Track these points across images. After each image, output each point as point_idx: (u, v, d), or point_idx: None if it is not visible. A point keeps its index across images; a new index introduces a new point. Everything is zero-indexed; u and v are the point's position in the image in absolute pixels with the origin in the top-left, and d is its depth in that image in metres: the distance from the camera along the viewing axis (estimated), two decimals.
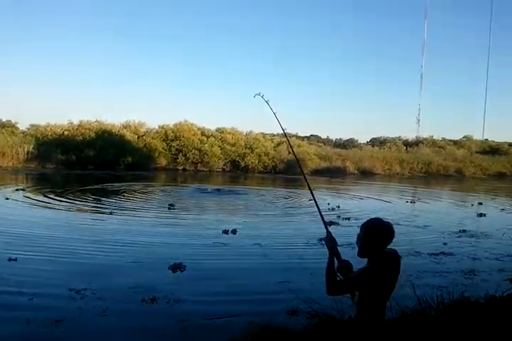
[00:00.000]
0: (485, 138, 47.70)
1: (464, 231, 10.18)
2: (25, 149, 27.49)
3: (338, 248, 3.07)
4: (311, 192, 3.79)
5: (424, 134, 47.50)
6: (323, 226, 3.27)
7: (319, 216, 3.45)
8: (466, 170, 36.75)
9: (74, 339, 4.17)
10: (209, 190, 17.61)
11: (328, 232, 3.14)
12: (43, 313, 4.63)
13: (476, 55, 71.87)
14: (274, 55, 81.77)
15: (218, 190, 17.93)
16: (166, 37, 73.57)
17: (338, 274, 2.95)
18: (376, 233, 2.79)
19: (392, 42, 77.56)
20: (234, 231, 9.19)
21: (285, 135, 4.55)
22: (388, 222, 2.85)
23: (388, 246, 2.88)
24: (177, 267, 6.43)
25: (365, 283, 2.76)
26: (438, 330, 3.63)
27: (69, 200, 13.52)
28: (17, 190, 15.60)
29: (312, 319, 4.19)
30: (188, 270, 6.39)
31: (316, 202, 3.68)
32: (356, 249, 2.85)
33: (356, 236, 2.86)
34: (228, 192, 17.72)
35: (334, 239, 3.06)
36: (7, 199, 13.07)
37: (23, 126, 34.70)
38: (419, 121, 36.98)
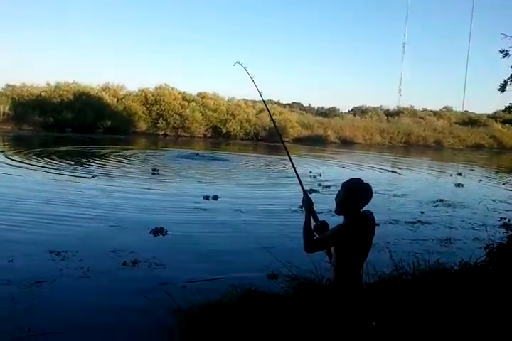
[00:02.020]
0: (464, 109, 48.26)
1: (442, 200, 10.39)
2: (1, 110, 26.76)
3: (318, 214, 3.13)
4: (288, 156, 3.83)
5: (405, 104, 47.87)
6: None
7: (296, 181, 3.48)
8: (445, 140, 37.26)
9: (55, 299, 4.17)
10: (191, 156, 17.50)
11: (305, 193, 3.22)
12: (23, 274, 4.62)
13: (460, 26, 71.46)
14: (257, 21, 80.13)
15: (200, 155, 17.82)
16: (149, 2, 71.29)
17: (315, 233, 3.03)
18: (356, 192, 2.89)
19: (375, 10, 76.55)
20: (215, 197, 9.21)
21: (263, 100, 4.51)
22: (367, 183, 2.94)
23: (367, 210, 2.97)
24: (158, 231, 6.45)
25: (341, 239, 2.86)
26: (414, 295, 3.74)
27: (49, 163, 13.29)
28: None
29: (291, 282, 4.26)
30: (169, 234, 6.42)
31: (292, 163, 3.77)
32: None
33: (336, 194, 2.93)
34: (210, 158, 17.66)
35: (310, 200, 3.13)
36: None
37: None
38: (400, 90, 37.18)
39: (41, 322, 3.70)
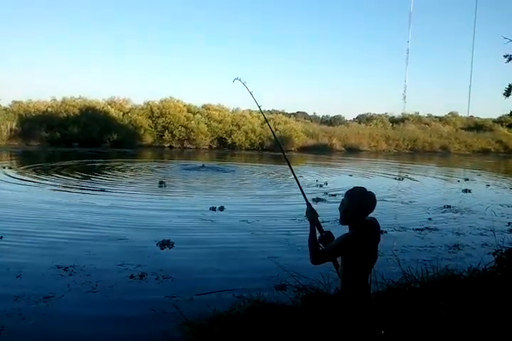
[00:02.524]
0: (470, 114, 48.12)
1: (449, 206, 10.33)
2: (8, 126, 27.00)
3: (325, 223, 3.12)
4: (289, 165, 3.87)
5: (410, 111, 47.79)
6: (311, 201, 3.31)
7: (311, 192, 3.50)
8: (451, 146, 37.10)
9: (63, 314, 4.18)
10: (197, 167, 17.56)
11: (308, 204, 3.20)
12: (31, 290, 4.64)
13: (464, 31, 71.64)
14: (261, 31, 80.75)
15: (206, 167, 17.88)
16: (153, 15, 72.18)
17: (321, 245, 3.02)
18: (359, 201, 2.87)
19: (378, 19, 76.98)
20: (221, 208, 9.21)
21: (261, 112, 4.59)
22: (371, 191, 2.92)
23: (370, 217, 2.97)
24: (165, 244, 6.46)
25: (347, 249, 2.83)
26: (423, 303, 3.71)
27: (57, 179, 13.40)
28: (3, 167, 15.39)
29: (299, 293, 4.24)
30: (176, 246, 6.42)
31: (294, 174, 3.77)
32: None
33: (340, 204, 2.92)
34: (216, 169, 17.70)
35: (314, 211, 3.12)
36: None
37: (5, 102, 34.01)
38: (405, 97, 37.18)
39: (49, 337, 3.71)
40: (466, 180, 16.72)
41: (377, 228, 3.01)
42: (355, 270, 2.92)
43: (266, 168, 18.94)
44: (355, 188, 3.00)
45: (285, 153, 4.64)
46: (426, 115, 47.71)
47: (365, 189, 2.98)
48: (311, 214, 3.10)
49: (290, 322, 3.22)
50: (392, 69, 77.09)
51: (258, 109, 4.06)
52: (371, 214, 2.96)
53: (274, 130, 31.62)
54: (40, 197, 10.27)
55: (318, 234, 3.05)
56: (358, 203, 2.87)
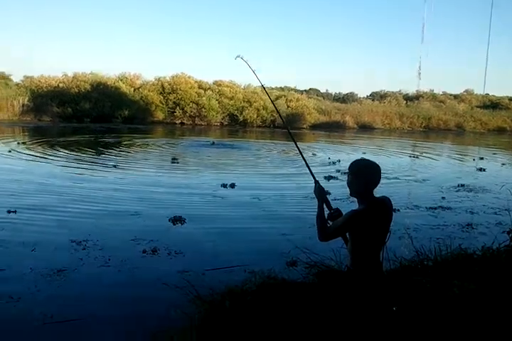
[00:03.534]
0: (486, 92, 47.16)
1: (463, 185, 10.22)
2: (21, 102, 27.07)
3: (337, 201, 3.11)
4: (295, 143, 3.79)
5: (425, 88, 46.96)
6: (323, 179, 3.28)
7: (314, 169, 3.45)
8: (467, 124, 36.54)
9: (76, 287, 4.23)
10: (208, 144, 17.55)
11: (316, 182, 3.19)
12: (45, 263, 4.70)
13: (480, 7, 69.55)
14: (272, 5, 79.27)
15: (216, 144, 17.85)
16: None
17: (329, 222, 3.00)
18: (360, 172, 2.84)
19: None
20: (232, 185, 9.21)
21: (264, 90, 4.50)
22: (373, 162, 2.87)
23: (383, 196, 2.92)
24: (177, 219, 6.48)
25: (354, 224, 2.80)
26: (435, 281, 3.68)
27: (70, 153, 13.47)
28: (18, 143, 15.49)
29: (311, 269, 4.24)
30: (187, 222, 6.44)
31: (300, 151, 3.77)
32: None
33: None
34: (227, 146, 17.68)
35: (323, 188, 3.10)
36: (9, 152, 13.03)
37: (16, 78, 34.07)
38: (420, 74, 36.39)
39: (64, 309, 3.76)
40: (481, 158, 16.50)
41: (389, 207, 2.96)
42: (363, 246, 2.89)
43: (277, 145, 18.85)
44: (357, 160, 2.94)
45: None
46: (441, 93, 46.98)
47: (368, 160, 2.94)
48: (319, 192, 3.07)
49: (301, 298, 3.22)
50: (406, 46, 75.72)
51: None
52: (386, 193, 2.92)
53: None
54: (52, 172, 10.33)
55: (327, 212, 3.02)
56: (359, 174, 2.83)
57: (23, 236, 5.60)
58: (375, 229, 2.86)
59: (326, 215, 3.03)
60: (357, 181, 2.84)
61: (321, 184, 3.15)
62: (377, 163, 2.90)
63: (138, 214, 6.86)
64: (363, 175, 2.83)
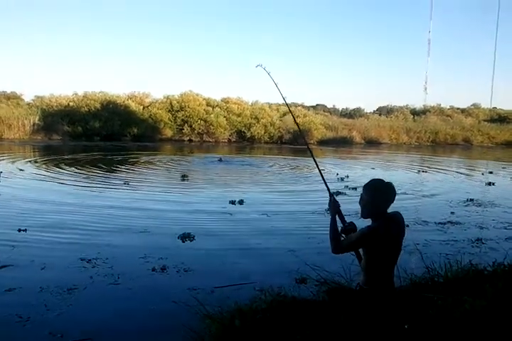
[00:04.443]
0: (493, 106, 47.10)
1: (472, 200, 10.15)
2: (31, 121, 27.41)
3: (346, 217, 3.12)
4: (313, 157, 3.83)
5: (432, 102, 47.00)
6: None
7: (331, 185, 3.49)
8: (474, 138, 36.42)
9: (86, 306, 4.24)
10: (216, 161, 17.64)
11: (331, 195, 3.23)
12: (55, 282, 4.72)
13: (486, 21, 70.01)
14: (278, 22, 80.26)
15: (225, 160, 17.93)
16: (171, 12, 72.38)
17: (343, 235, 3.01)
18: (377, 192, 2.84)
19: (398, 7, 75.75)
20: (241, 202, 9.22)
21: (287, 105, 4.54)
22: (389, 182, 2.88)
23: (395, 211, 2.93)
24: (186, 237, 6.50)
25: (370, 240, 2.80)
26: (446, 297, 3.65)
27: (80, 171, 13.60)
28: (29, 161, 15.67)
29: (321, 287, 4.23)
30: (196, 239, 6.45)
31: (316, 163, 3.79)
32: None
33: (359, 197, 2.90)
34: (236, 162, 17.76)
35: (337, 201, 3.13)
36: (21, 170, 13.17)
37: (27, 97, 34.61)
38: (426, 89, 36.51)
39: (73, 328, 3.76)
40: (490, 172, 16.41)
41: (402, 222, 2.97)
42: (378, 264, 2.88)
43: (285, 161, 18.89)
44: (372, 180, 2.95)
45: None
46: (448, 107, 46.95)
47: (383, 180, 2.94)
48: (334, 205, 3.10)
49: (312, 317, 3.21)
50: (413, 61, 76.05)
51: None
52: (393, 209, 2.93)
53: (293, 122, 31.50)
54: (62, 190, 10.41)
55: (340, 225, 3.04)
56: (376, 195, 2.83)
57: (33, 254, 5.62)
58: (389, 245, 2.85)
59: (339, 228, 3.05)
60: (373, 201, 2.84)
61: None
62: (389, 181, 2.92)
63: (147, 231, 6.89)
64: (379, 195, 2.84)
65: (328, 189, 3.35)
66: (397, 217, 2.95)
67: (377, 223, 2.86)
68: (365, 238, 2.83)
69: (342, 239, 2.98)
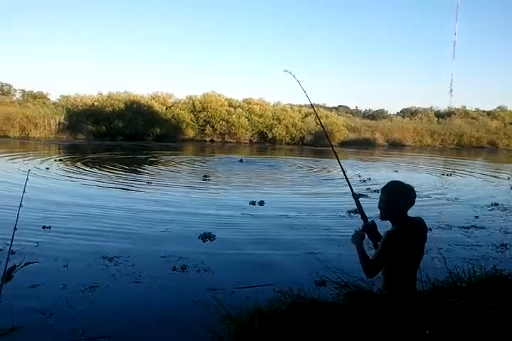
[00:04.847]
0: None
1: (497, 204, 9.96)
2: (57, 120, 27.95)
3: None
4: (342, 170, 3.83)
5: (457, 105, 46.42)
6: (350, 198, 3.29)
7: (348, 188, 3.46)
8: (500, 141, 35.77)
9: (108, 303, 4.29)
10: (237, 161, 17.70)
11: (365, 225, 3.13)
12: (77, 279, 4.78)
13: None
14: (303, 22, 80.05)
15: (246, 161, 17.98)
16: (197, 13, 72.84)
17: (366, 235, 3.03)
18: (396, 194, 2.81)
19: (424, 9, 74.82)
20: (261, 203, 9.22)
21: (315, 111, 4.55)
22: (409, 185, 2.85)
23: (415, 216, 2.90)
24: (206, 236, 6.53)
25: (394, 245, 2.75)
26: (469, 303, 3.59)
27: (104, 170, 13.82)
28: (55, 160, 15.96)
29: (341, 290, 4.19)
30: (217, 239, 6.48)
31: (344, 173, 3.79)
32: None
33: (378, 200, 2.89)
34: (257, 163, 17.79)
35: (364, 235, 3.06)
36: (47, 169, 13.43)
37: (53, 97, 35.29)
38: (451, 91, 36.04)
39: (95, 325, 3.81)
40: None
41: (424, 227, 2.93)
42: (397, 268, 2.84)
43: (306, 163, 18.83)
44: (391, 182, 2.93)
45: (326, 148, 4.64)
46: (473, 109, 46.19)
47: (402, 182, 2.91)
48: (357, 239, 3.00)
49: (332, 320, 3.19)
50: (438, 62, 75.00)
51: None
52: (416, 213, 2.90)
53: (315, 124, 31.44)
54: (86, 189, 10.59)
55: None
56: (394, 197, 2.81)
57: (56, 252, 5.71)
58: (410, 249, 2.81)
59: (363, 227, 3.07)
60: (391, 204, 2.82)
61: (350, 202, 3.15)
62: (410, 184, 2.89)
63: (168, 230, 6.94)
64: (398, 198, 2.81)
65: (363, 213, 3.22)
66: (418, 221, 2.91)
67: (396, 226, 2.83)
68: (389, 244, 2.78)
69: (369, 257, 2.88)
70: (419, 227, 2.89)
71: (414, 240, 2.84)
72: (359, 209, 3.21)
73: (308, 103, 4.08)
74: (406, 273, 2.88)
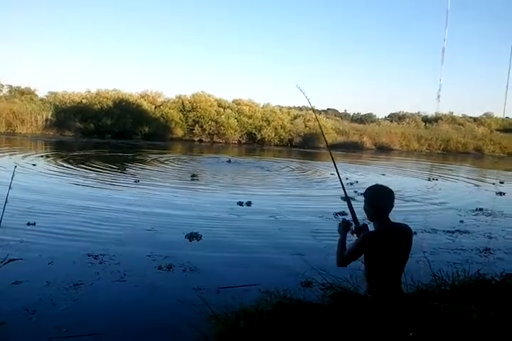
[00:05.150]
0: (506, 115, 46.78)
1: (481, 209, 10.07)
2: (44, 116, 27.69)
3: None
4: (337, 171, 3.96)
5: (444, 110, 46.80)
6: (338, 201, 3.39)
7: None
8: (486, 148, 36.13)
9: (92, 301, 4.26)
10: (225, 162, 17.69)
11: (354, 220, 3.36)
12: (62, 277, 4.75)
13: (500, 29, 69.51)
14: (293, 26, 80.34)
15: (235, 162, 17.98)
16: (185, 10, 72.63)
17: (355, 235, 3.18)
18: (373, 197, 2.99)
19: (413, 15, 75.53)
20: (249, 204, 9.22)
21: (316, 118, 4.65)
22: (387, 187, 3.02)
23: (402, 223, 2.97)
24: (193, 236, 6.51)
25: (367, 245, 2.87)
26: (453, 306, 3.62)
27: (92, 168, 13.72)
28: (41, 156, 15.80)
29: (327, 291, 4.21)
30: (203, 239, 6.47)
31: (339, 176, 3.94)
32: None
33: None
34: (245, 163, 17.78)
35: (351, 224, 3.29)
36: (33, 165, 13.31)
37: (41, 93, 34.96)
38: (439, 97, 36.41)
39: (79, 323, 3.78)
40: (501, 182, 16.27)
41: (407, 233, 3.00)
42: (379, 271, 2.90)
43: (295, 164, 18.86)
44: (371, 186, 3.10)
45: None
46: (460, 115, 46.61)
47: (381, 185, 3.08)
48: (346, 227, 3.23)
49: (317, 321, 3.20)
50: (426, 68, 75.82)
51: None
52: (402, 217, 2.94)
53: (304, 126, 31.55)
54: (73, 186, 10.51)
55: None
56: (372, 200, 2.98)
57: (40, 249, 5.66)
58: (389, 253, 2.87)
59: (354, 228, 3.22)
60: (370, 206, 2.98)
61: (338, 204, 3.22)
62: (390, 188, 3.03)
63: (154, 229, 6.92)
64: (376, 200, 2.97)
65: (354, 216, 3.42)
66: (401, 227, 3.02)
67: (377, 227, 2.94)
68: (362, 243, 2.90)
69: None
70: (402, 232, 2.98)
71: (394, 243, 2.90)
72: (351, 211, 3.35)
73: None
74: (388, 276, 2.93)
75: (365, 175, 16.35)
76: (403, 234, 2.99)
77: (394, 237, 2.90)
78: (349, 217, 3.32)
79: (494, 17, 73.23)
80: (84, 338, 3.55)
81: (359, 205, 3.26)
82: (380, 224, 2.94)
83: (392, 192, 2.99)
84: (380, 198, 2.96)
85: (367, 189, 3.05)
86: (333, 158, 3.92)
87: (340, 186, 3.72)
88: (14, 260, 5.19)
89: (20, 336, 3.54)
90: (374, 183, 3.18)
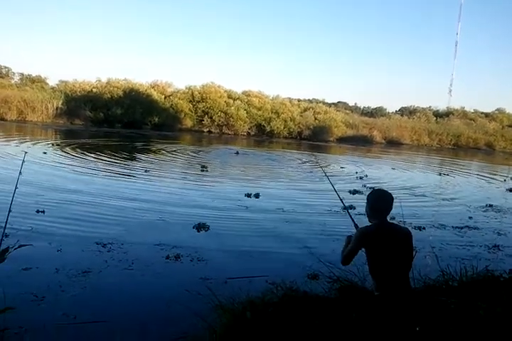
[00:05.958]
0: None
1: (491, 205, 10.00)
2: (55, 105, 27.78)
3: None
4: (334, 189, 4.41)
5: (456, 105, 46.32)
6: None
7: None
8: (497, 143, 35.85)
9: (100, 289, 4.29)
10: (234, 153, 17.69)
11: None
12: (70, 264, 4.78)
13: None
14: (303, 15, 79.76)
15: (243, 153, 17.96)
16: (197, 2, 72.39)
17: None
18: (372, 202, 3.22)
19: (426, 8, 74.62)
20: (257, 195, 9.22)
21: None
22: (385, 192, 3.28)
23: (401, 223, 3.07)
24: (201, 227, 6.53)
25: (363, 241, 3.05)
26: (460, 302, 3.61)
27: (102, 157, 13.80)
28: (52, 145, 15.88)
29: (333, 284, 4.21)
30: (211, 230, 6.48)
31: (337, 193, 4.44)
32: None
33: None
34: (254, 155, 17.76)
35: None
36: (44, 153, 13.38)
37: (52, 82, 35.08)
38: (451, 91, 36.03)
39: (86, 310, 3.81)
40: None
41: (407, 234, 3.15)
42: (380, 270, 3.04)
43: (305, 158, 18.82)
44: (373, 190, 3.45)
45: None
46: (472, 110, 46.20)
47: (382, 190, 3.39)
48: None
49: (324, 313, 3.21)
50: (439, 62, 75.02)
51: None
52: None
53: (313, 119, 31.42)
54: (82, 175, 10.55)
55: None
56: (371, 204, 3.21)
57: (50, 236, 5.70)
58: (387, 251, 3.01)
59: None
60: (370, 208, 3.22)
61: (346, 198, 3.31)
62: (390, 192, 3.28)
63: (163, 219, 6.94)
64: (376, 203, 3.19)
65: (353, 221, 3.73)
66: (400, 227, 3.23)
67: (373, 224, 3.17)
68: (358, 239, 3.06)
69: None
70: (400, 232, 3.13)
71: (392, 241, 3.02)
72: (352, 220, 3.73)
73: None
74: (392, 274, 3.01)
75: (376, 169, 16.26)
76: (402, 233, 3.19)
77: (391, 235, 3.05)
78: (357, 211, 3.39)
79: (507, 10, 72.11)
80: (91, 325, 3.59)
81: (365, 200, 3.31)
82: (376, 222, 3.15)
83: (392, 196, 3.21)
84: (379, 201, 3.18)
85: (369, 193, 3.34)
86: (330, 181, 3.97)
87: (348, 181, 3.87)
88: (24, 246, 5.22)
89: (29, 321, 3.57)
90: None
